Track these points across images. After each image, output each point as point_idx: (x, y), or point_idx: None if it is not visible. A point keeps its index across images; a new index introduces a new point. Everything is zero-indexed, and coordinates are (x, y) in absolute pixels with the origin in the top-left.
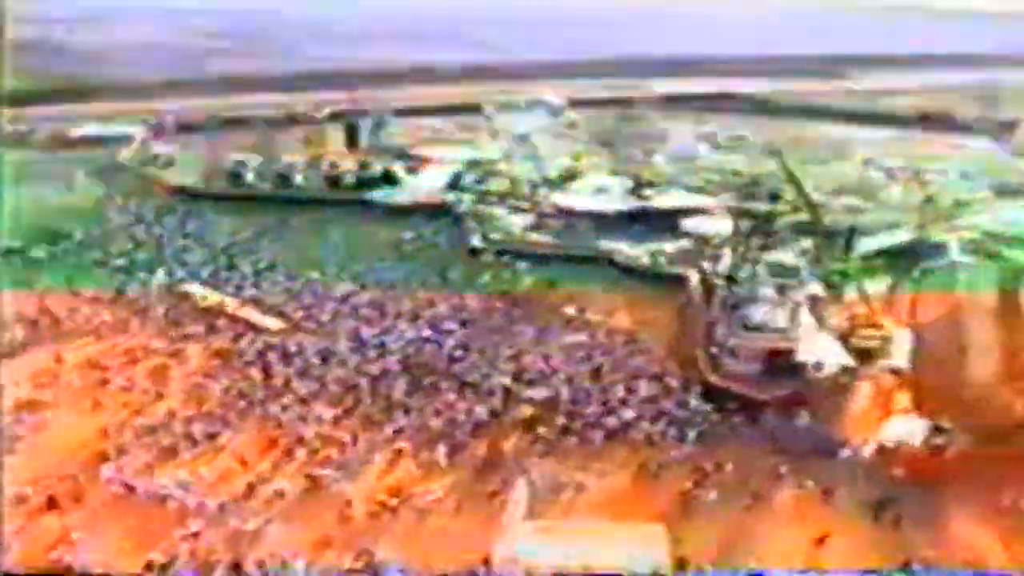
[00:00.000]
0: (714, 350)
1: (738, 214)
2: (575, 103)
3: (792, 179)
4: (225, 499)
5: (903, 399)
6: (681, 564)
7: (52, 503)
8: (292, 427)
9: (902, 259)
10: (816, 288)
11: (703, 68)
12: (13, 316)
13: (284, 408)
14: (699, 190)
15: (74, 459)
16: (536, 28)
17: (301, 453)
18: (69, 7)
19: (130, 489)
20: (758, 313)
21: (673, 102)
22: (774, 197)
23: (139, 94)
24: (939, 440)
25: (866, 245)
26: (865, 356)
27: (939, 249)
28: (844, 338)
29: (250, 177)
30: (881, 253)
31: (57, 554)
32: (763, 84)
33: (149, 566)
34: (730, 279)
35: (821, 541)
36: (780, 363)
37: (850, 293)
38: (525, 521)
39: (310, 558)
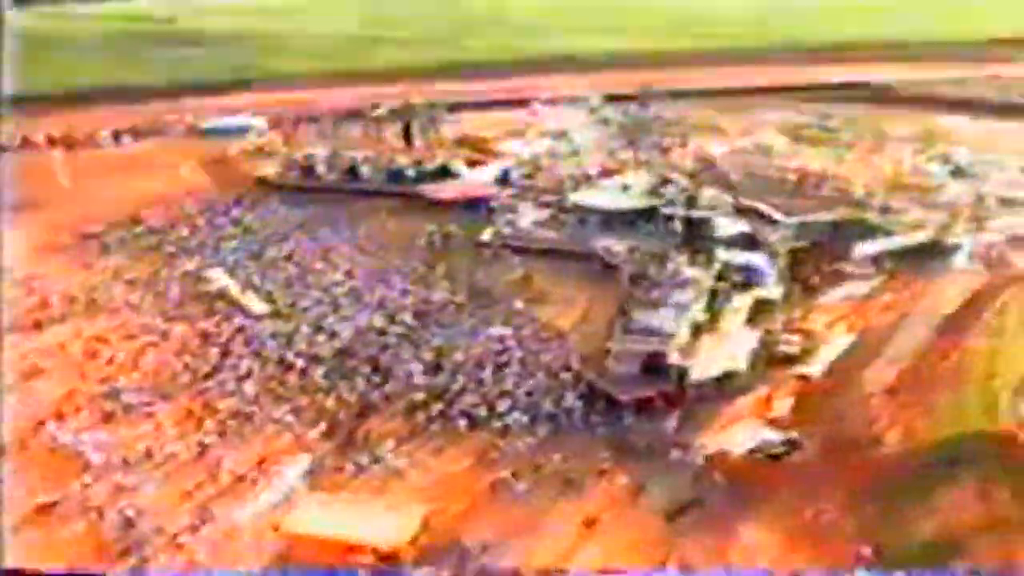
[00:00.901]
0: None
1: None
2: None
3: (724, 181)
4: (125, 458)
5: (783, 407)
6: (456, 541)
7: (1, 451)
8: (214, 402)
9: (903, 262)
10: (774, 292)
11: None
12: (60, 294)
13: (220, 384)
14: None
15: (35, 418)
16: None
17: (209, 424)
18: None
19: (60, 444)
20: (644, 316)
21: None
22: (691, 200)
23: (283, 85)
24: (777, 451)
25: (867, 248)
26: (783, 362)
27: (950, 252)
28: (770, 344)
29: (320, 169)
30: (887, 255)
31: None
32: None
33: (39, 508)
34: (636, 279)
35: (590, 525)
36: (657, 366)
37: (823, 297)
38: (309, 493)
39: (169, 510)
